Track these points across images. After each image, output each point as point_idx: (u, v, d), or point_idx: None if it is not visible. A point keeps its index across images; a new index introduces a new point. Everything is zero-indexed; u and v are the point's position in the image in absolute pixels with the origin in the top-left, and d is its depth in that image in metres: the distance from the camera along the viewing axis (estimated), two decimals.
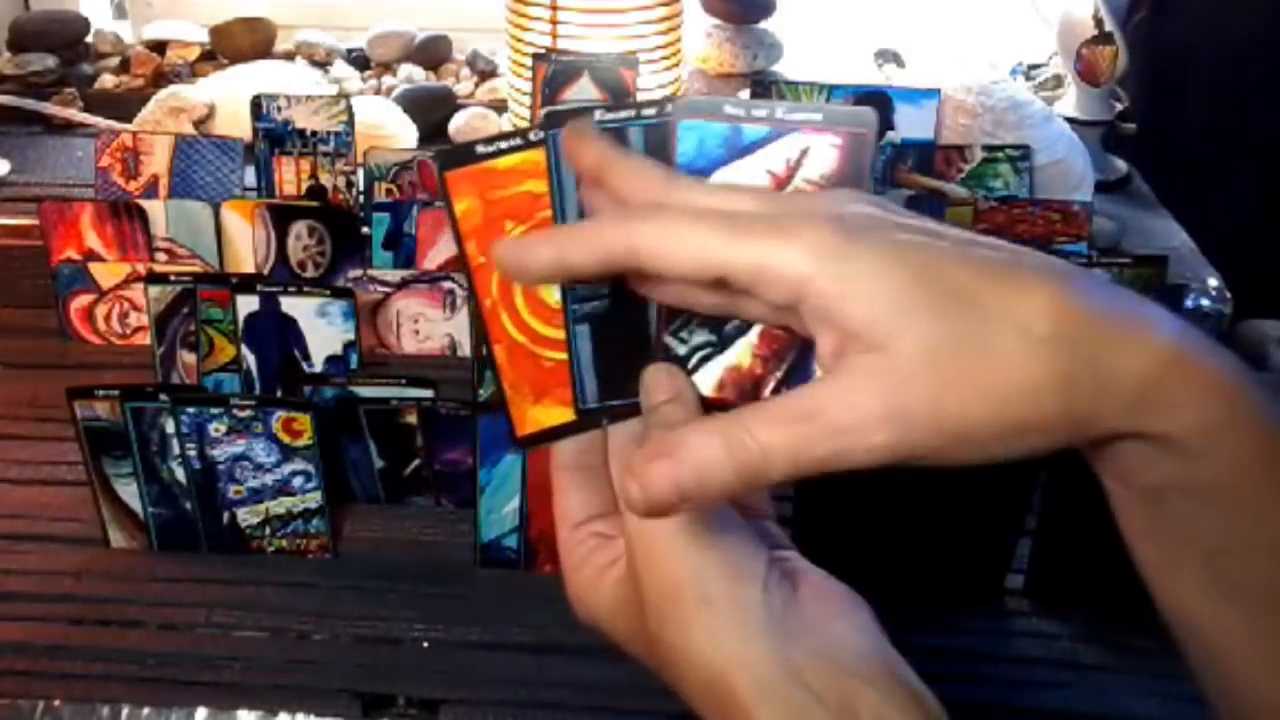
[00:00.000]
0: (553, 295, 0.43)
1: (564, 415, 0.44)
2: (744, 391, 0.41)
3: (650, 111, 0.41)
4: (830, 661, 0.36)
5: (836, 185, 0.39)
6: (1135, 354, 0.32)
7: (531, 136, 0.41)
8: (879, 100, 0.92)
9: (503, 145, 0.41)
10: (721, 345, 0.41)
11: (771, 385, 0.41)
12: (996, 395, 0.31)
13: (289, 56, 1.28)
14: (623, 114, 0.41)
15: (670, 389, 0.41)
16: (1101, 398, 0.32)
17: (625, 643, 0.41)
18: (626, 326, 0.43)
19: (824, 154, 0.39)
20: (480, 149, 0.41)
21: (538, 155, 0.41)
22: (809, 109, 0.39)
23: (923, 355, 0.32)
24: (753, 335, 0.40)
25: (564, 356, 0.43)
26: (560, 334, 0.43)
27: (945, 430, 0.32)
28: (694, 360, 0.41)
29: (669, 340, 0.41)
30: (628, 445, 0.42)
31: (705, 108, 0.40)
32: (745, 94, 0.97)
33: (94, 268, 0.89)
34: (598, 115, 0.41)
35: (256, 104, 0.93)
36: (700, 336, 0.41)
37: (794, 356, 0.40)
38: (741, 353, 0.41)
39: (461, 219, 0.42)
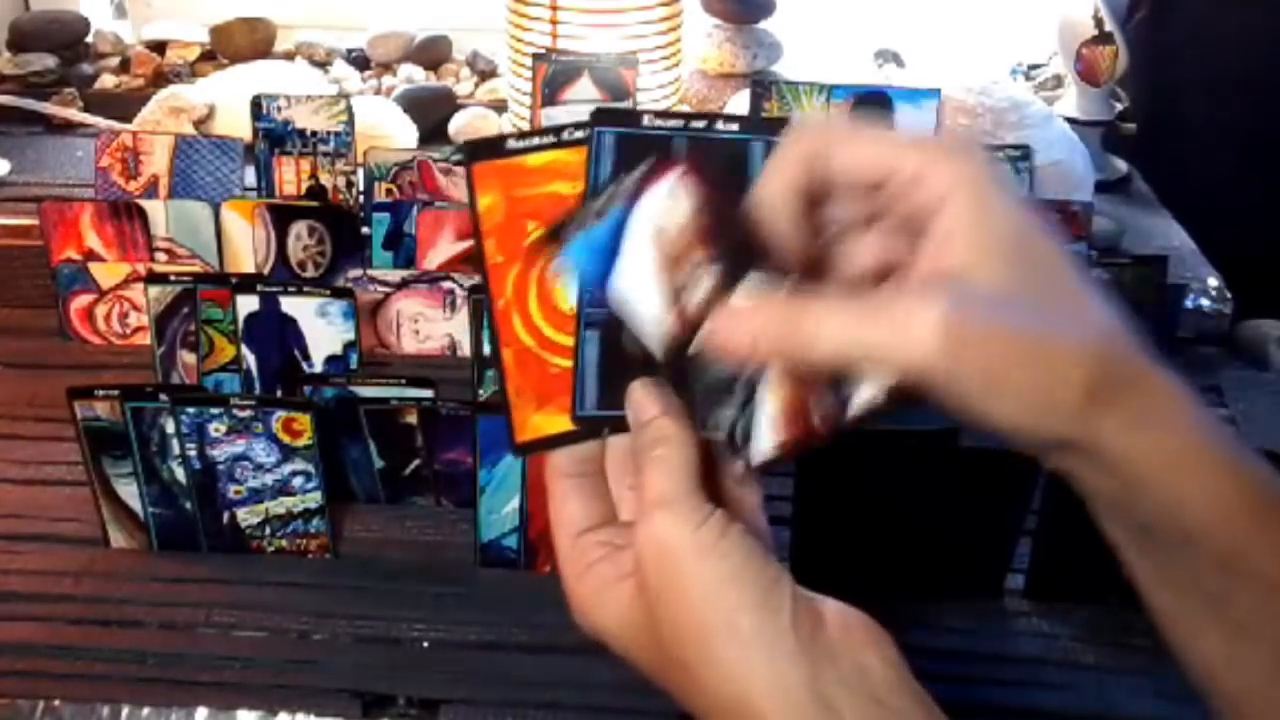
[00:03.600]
0: (568, 299, 0.41)
1: (566, 424, 0.43)
2: (801, 426, 0.39)
3: (699, 124, 0.39)
4: (860, 691, 0.36)
5: (715, 218, 0.38)
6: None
7: (565, 136, 0.40)
8: (879, 100, 0.92)
9: (536, 141, 0.40)
10: (747, 404, 0.39)
11: (820, 410, 0.39)
12: (1030, 365, 0.34)
13: (289, 56, 1.28)
14: (671, 123, 0.40)
15: (658, 403, 0.40)
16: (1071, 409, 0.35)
17: (635, 660, 0.40)
18: (636, 339, 0.41)
19: (676, 198, 0.38)
20: (512, 144, 0.40)
21: (570, 155, 0.40)
22: (636, 172, 0.38)
23: (998, 297, 0.35)
24: (769, 377, 0.38)
25: (570, 364, 0.42)
26: (570, 340, 0.42)
27: (973, 368, 0.34)
28: (737, 434, 0.39)
29: (710, 437, 0.40)
30: (626, 458, 0.41)
31: (569, 231, 0.39)
32: (745, 95, 0.97)
33: (94, 268, 0.89)
34: (645, 120, 0.40)
35: (256, 104, 0.93)
36: (726, 413, 0.39)
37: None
38: (771, 398, 0.39)
39: (484, 215, 0.40)
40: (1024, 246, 0.36)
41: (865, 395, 0.38)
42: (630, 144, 0.40)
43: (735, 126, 0.40)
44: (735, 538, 0.38)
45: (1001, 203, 0.36)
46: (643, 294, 0.39)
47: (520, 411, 0.43)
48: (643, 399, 0.41)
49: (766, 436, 0.39)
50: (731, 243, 0.38)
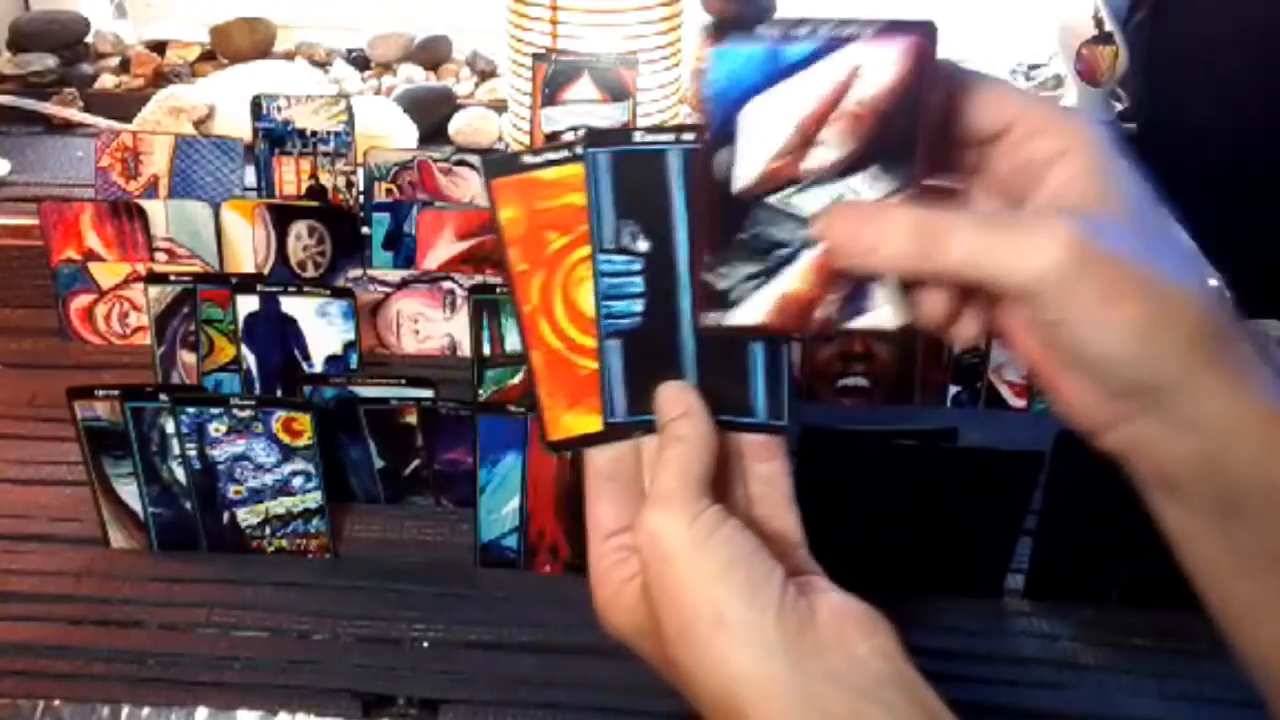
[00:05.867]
0: (590, 306, 0.43)
1: (596, 424, 0.44)
2: (795, 316, 0.40)
3: (690, 136, 0.40)
4: (845, 683, 0.36)
5: (893, 106, 0.37)
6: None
7: (578, 150, 0.41)
8: None
9: (551, 156, 0.41)
10: (769, 274, 0.40)
11: (826, 309, 0.40)
12: (1144, 299, 0.35)
13: (289, 56, 1.28)
14: (662, 136, 0.41)
15: (682, 405, 0.42)
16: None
17: (648, 659, 0.41)
18: (657, 345, 0.43)
19: (878, 69, 0.37)
20: (527, 159, 0.41)
21: (583, 169, 0.41)
22: (858, 21, 0.37)
23: (1119, 233, 0.35)
24: (802, 263, 0.40)
25: (597, 365, 0.43)
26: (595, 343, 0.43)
27: (1091, 289, 0.34)
28: (737, 291, 0.40)
29: (709, 277, 0.40)
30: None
31: (739, 35, 0.38)
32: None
33: (94, 268, 0.89)
34: (636, 136, 0.41)
35: (256, 104, 0.93)
36: (746, 267, 0.40)
37: (850, 279, 0.40)
38: (791, 279, 0.40)
39: (506, 226, 0.42)
40: (1137, 204, 0.37)
41: (877, 317, 0.40)
42: (625, 162, 0.41)
43: None
44: (727, 533, 0.38)
45: (1117, 164, 0.37)
46: (769, 129, 0.39)
47: (551, 411, 0.44)
48: (668, 400, 0.42)
49: (760, 310, 0.41)
50: (886, 136, 0.38)
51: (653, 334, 0.43)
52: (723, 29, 0.39)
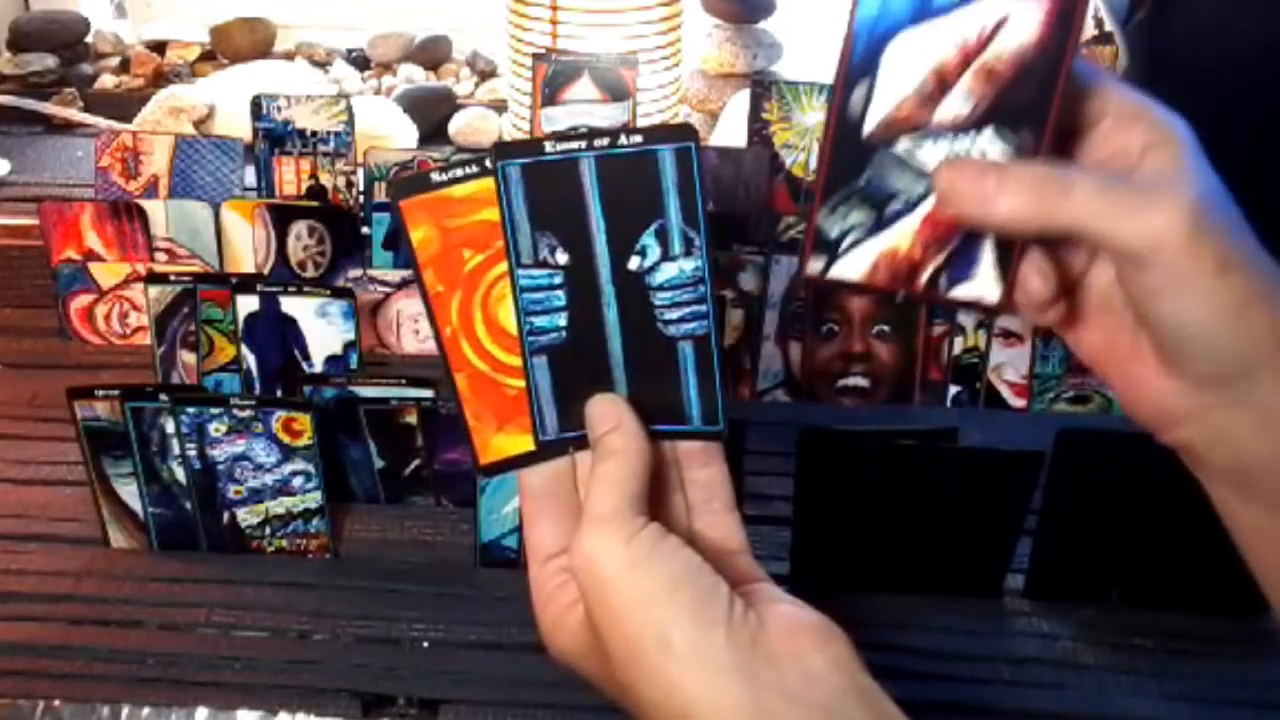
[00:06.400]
0: (513, 323, 0.42)
1: (527, 443, 0.43)
2: (898, 276, 0.39)
3: (603, 141, 0.40)
4: (800, 698, 0.35)
5: (1035, 62, 0.37)
6: None
7: (487, 164, 0.40)
8: None
9: (458, 173, 0.41)
10: (879, 226, 0.39)
11: (929, 271, 0.39)
12: (1242, 274, 0.36)
13: (289, 56, 1.28)
14: (573, 145, 0.40)
15: (613, 418, 0.41)
16: None
17: (598, 684, 0.40)
18: (585, 358, 0.42)
19: (1024, 23, 0.36)
20: (435, 177, 0.41)
21: (493, 183, 0.41)
22: None
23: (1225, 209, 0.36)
24: (915, 219, 0.39)
25: (524, 384, 0.42)
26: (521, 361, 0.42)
27: (1199, 256, 0.35)
28: (846, 242, 0.39)
29: (822, 222, 0.39)
30: None
31: None
32: (745, 95, 0.97)
33: (94, 268, 0.89)
34: (547, 146, 0.40)
35: (256, 104, 0.93)
36: (857, 215, 0.39)
37: (957, 243, 0.39)
38: (901, 235, 0.39)
39: (418, 248, 0.41)
40: (1221, 196, 0.37)
41: (979, 288, 0.39)
42: (535, 172, 0.40)
43: (640, 139, 0.40)
44: (666, 551, 0.38)
45: (1203, 159, 0.37)
46: (909, 69, 0.38)
47: (481, 435, 0.43)
48: (598, 414, 0.41)
49: (864, 265, 0.40)
50: (1019, 94, 0.37)
51: (579, 347, 0.42)
52: None
